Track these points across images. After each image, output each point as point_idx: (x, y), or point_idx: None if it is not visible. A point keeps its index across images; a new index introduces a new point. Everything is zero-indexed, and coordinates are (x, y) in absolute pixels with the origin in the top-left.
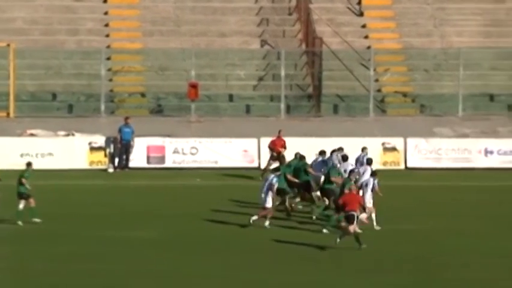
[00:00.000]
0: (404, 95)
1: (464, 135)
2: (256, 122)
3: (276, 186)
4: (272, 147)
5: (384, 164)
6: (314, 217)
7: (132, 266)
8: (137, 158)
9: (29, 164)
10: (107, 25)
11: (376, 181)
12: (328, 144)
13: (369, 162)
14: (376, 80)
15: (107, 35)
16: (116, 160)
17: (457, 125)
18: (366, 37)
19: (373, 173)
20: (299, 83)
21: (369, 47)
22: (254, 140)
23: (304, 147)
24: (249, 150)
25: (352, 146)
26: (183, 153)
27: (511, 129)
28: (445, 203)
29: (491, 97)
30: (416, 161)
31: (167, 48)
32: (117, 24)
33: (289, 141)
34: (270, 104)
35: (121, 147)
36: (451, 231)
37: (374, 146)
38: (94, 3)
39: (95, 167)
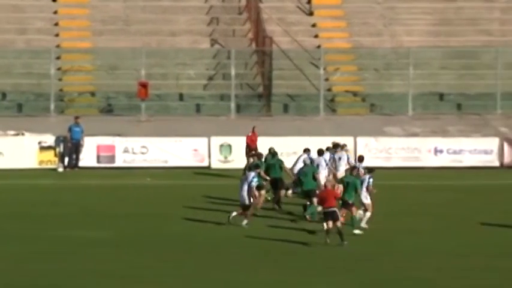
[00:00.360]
0: (355, 94)
1: (414, 134)
2: (206, 122)
3: (255, 185)
4: (249, 142)
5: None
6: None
7: (82, 265)
8: (87, 158)
9: None
10: (56, 24)
11: (371, 179)
12: (279, 143)
13: (361, 159)
14: (326, 79)
15: (57, 34)
16: (66, 159)
17: (407, 124)
18: (316, 36)
19: (370, 170)
20: (249, 82)
21: (319, 46)
22: (204, 139)
23: None
24: (199, 150)
25: (302, 146)
26: (133, 153)
27: (460, 129)
28: (395, 202)
29: (441, 96)
30: (366, 160)
31: (117, 48)
32: (66, 23)
33: (239, 140)
34: (220, 103)
35: (71, 147)
36: (403, 230)
37: (324, 145)
38: (43, 2)
39: (44, 166)
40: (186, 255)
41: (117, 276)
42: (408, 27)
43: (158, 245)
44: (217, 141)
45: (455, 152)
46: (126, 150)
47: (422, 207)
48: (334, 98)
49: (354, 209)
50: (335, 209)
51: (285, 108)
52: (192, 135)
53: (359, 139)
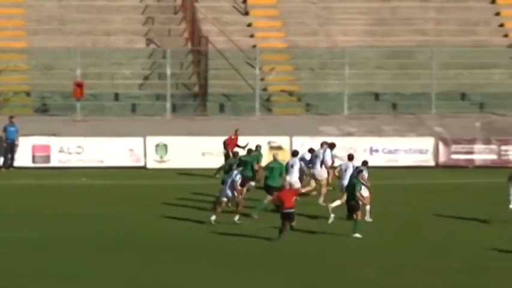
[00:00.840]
0: (290, 93)
1: (350, 134)
2: (142, 121)
3: (238, 182)
4: (228, 144)
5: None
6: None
7: (16, 265)
8: (22, 157)
9: None
10: None
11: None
12: (214, 143)
13: (350, 158)
14: (262, 79)
15: None
16: (1, 159)
17: (342, 124)
18: (252, 36)
19: (364, 163)
20: (185, 82)
21: (254, 46)
22: (140, 139)
23: (190, 146)
24: (134, 149)
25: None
26: (69, 153)
27: (395, 128)
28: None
29: (377, 96)
30: None
31: (52, 47)
32: (1, 23)
33: (174, 140)
34: (156, 103)
35: (6, 147)
36: (342, 229)
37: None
38: None
39: None
40: (126, 255)
41: (55, 276)
42: (344, 27)
43: (96, 245)
44: (152, 141)
45: (390, 152)
46: (61, 150)
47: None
48: (270, 97)
49: (359, 213)
50: (293, 210)
51: (221, 108)
52: (128, 135)
53: (295, 139)
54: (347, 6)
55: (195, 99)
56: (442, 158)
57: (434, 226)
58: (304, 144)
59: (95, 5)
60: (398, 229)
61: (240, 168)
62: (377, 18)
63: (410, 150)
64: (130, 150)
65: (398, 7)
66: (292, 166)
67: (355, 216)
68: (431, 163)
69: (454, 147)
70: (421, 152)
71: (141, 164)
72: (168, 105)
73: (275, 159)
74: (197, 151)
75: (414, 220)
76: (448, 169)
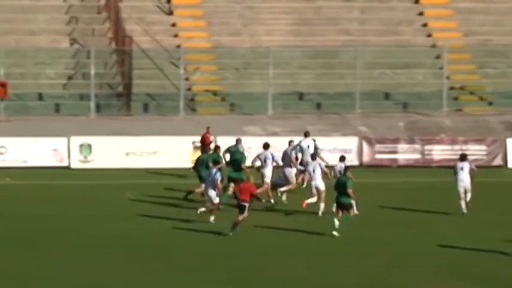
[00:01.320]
0: (215, 93)
1: (274, 134)
2: (66, 121)
3: (219, 179)
4: (203, 141)
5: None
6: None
7: None
8: None
9: None
10: None
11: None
12: (139, 143)
13: (315, 153)
14: (186, 79)
15: None
16: None
17: (267, 124)
18: (176, 36)
19: (342, 158)
20: (109, 81)
21: (178, 46)
22: (64, 139)
23: (115, 146)
24: (58, 149)
25: (162, 145)
26: None
27: (320, 128)
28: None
29: (301, 96)
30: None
31: None
32: None
33: (99, 140)
34: (80, 102)
35: None
36: (263, 228)
37: (184, 144)
38: None
39: None
40: (52, 254)
41: None
42: (268, 26)
43: (22, 244)
44: (76, 141)
45: None
46: None
47: (282, 205)
48: (194, 97)
49: (352, 210)
50: (247, 204)
51: (145, 108)
52: (52, 135)
53: (219, 138)
54: (271, 6)
55: (119, 99)
56: (366, 158)
57: (346, 225)
58: (228, 144)
59: (19, 4)
60: (324, 228)
61: (219, 166)
62: (301, 18)
63: (335, 149)
64: (54, 150)
65: (323, 7)
66: (265, 160)
67: (351, 212)
68: (356, 162)
69: (378, 147)
70: (345, 151)
71: (65, 164)
72: (92, 105)
73: (237, 151)
74: (121, 151)
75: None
76: (372, 168)
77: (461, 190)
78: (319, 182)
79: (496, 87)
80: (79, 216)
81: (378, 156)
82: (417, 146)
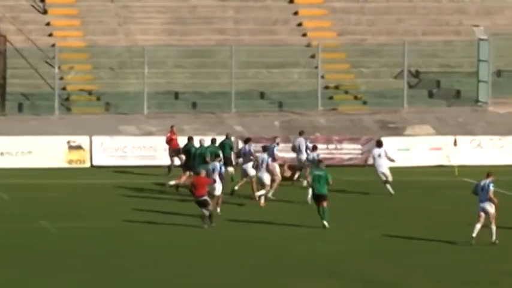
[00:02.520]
0: (90, 93)
1: (150, 133)
2: None
3: (223, 171)
4: (169, 141)
5: (70, 162)
6: None
7: None
8: None
9: None
10: None
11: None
12: (13, 143)
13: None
14: (61, 78)
15: None
16: None
17: (142, 123)
18: (51, 35)
19: (314, 148)
20: None
21: (53, 45)
22: None
23: None
24: None
25: (37, 145)
26: None
27: (195, 127)
28: (132, 201)
29: (176, 95)
30: (101, 158)
31: None
32: None
33: None
34: None
35: None
36: (144, 228)
37: (59, 144)
38: None
39: None
40: None
41: None
42: (143, 26)
43: None
44: None
45: None
46: None
47: (164, 206)
48: (69, 96)
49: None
50: (205, 197)
51: (20, 108)
52: None
53: (94, 138)
54: (145, 5)
55: None
56: None
57: (231, 225)
58: (103, 143)
59: None
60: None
61: (219, 159)
62: (176, 17)
63: None
64: None
65: (197, 6)
66: (244, 154)
67: (325, 204)
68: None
69: (254, 146)
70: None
71: None
72: None
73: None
74: None
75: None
76: None
77: (382, 175)
78: (264, 175)
79: (370, 86)
80: None
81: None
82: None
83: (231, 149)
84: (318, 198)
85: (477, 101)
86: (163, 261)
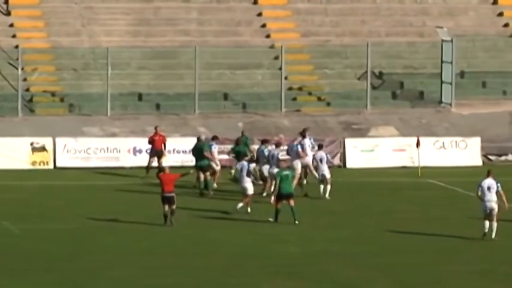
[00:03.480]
0: (53, 94)
1: (113, 135)
2: None
3: (251, 169)
4: (151, 143)
5: (33, 164)
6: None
7: None
8: None
9: None
10: None
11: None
12: None
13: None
14: (25, 80)
15: None
16: None
17: (106, 124)
18: (14, 36)
19: (320, 147)
20: None
21: (17, 47)
22: None
23: None
24: None
25: (1, 147)
26: None
27: (159, 129)
28: (95, 202)
29: (140, 96)
30: (65, 160)
31: None
32: None
33: None
34: None
35: None
36: (101, 229)
37: (23, 146)
38: None
39: None
40: None
41: None
42: (106, 27)
43: None
44: None
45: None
46: None
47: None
48: (33, 98)
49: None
50: (173, 194)
51: None
52: None
53: (58, 139)
54: (109, 6)
55: None
56: None
57: (192, 226)
58: (67, 145)
59: None
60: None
61: (247, 158)
62: (140, 19)
63: (174, 150)
64: None
65: (161, 8)
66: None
67: (293, 202)
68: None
69: (218, 148)
70: (184, 152)
71: None
72: None
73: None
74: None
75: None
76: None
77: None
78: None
79: (334, 87)
80: None
81: (219, 156)
82: (256, 147)
83: (247, 145)
84: (285, 197)
85: (440, 102)
86: (126, 262)
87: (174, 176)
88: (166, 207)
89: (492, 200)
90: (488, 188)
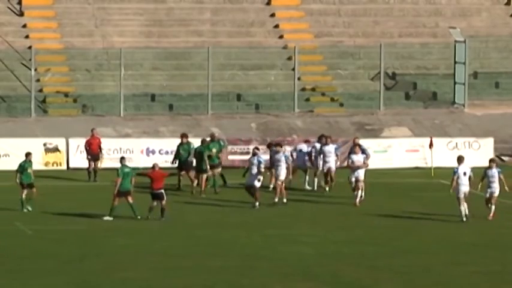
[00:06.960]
0: (66, 95)
1: (127, 135)
2: None
3: (263, 164)
4: (88, 147)
5: (46, 164)
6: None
7: None
8: None
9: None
10: None
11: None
12: None
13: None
14: (38, 80)
15: None
16: None
17: (119, 125)
18: (27, 37)
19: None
20: None
21: (30, 47)
22: None
23: None
24: None
25: (14, 147)
26: None
27: (172, 129)
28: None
29: (153, 97)
30: (78, 161)
31: None
32: None
33: None
34: None
35: None
36: (113, 230)
37: (36, 146)
38: None
39: None
40: None
41: None
42: (120, 28)
43: None
44: None
45: (167, 153)
46: None
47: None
48: (46, 99)
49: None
50: (162, 190)
51: None
52: None
53: (71, 140)
54: (123, 7)
55: None
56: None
57: (203, 227)
58: (80, 146)
59: None
60: (175, 230)
61: (260, 152)
62: (153, 20)
63: None
64: None
65: (174, 8)
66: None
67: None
68: None
69: (230, 148)
70: None
71: None
72: None
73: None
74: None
75: (188, 221)
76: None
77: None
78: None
79: (347, 88)
80: None
81: (230, 157)
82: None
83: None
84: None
85: (454, 103)
86: (138, 263)
87: (164, 173)
88: (156, 203)
89: (466, 184)
90: (464, 174)
